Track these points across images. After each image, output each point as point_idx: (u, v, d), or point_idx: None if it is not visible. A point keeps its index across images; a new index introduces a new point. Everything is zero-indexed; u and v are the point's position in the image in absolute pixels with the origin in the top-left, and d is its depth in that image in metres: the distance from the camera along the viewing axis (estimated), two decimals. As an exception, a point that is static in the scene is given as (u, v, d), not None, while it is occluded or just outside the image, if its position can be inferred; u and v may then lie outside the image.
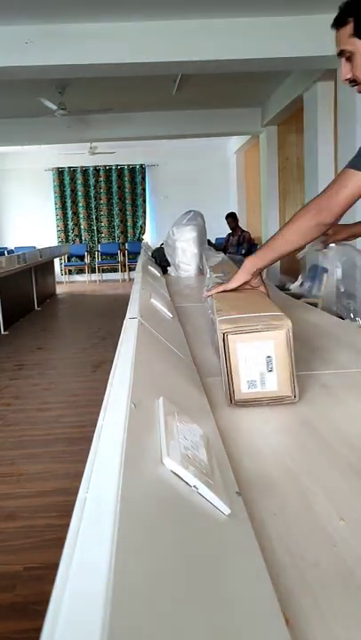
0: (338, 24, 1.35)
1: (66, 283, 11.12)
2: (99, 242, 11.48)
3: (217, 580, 0.40)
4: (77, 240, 11.45)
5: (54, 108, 6.35)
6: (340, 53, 1.35)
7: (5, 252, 9.63)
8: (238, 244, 7.54)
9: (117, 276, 11.44)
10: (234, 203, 10.53)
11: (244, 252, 7.21)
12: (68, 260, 11.25)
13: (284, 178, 7.67)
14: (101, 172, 11.24)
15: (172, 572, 0.38)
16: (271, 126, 7.86)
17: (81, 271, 11.47)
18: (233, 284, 1.31)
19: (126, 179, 11.33)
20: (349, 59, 1.34)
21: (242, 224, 8.50)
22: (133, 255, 10.80)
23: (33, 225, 11.30)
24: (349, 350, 1.30)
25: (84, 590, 0.32)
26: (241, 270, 1.30)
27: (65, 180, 11.26)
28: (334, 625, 0.42)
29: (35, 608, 1.52)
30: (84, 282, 11.32)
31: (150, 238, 11.21)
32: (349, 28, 1.30)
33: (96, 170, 11.23)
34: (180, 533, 0.44)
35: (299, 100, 6.17)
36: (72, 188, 11.30)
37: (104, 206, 11.38)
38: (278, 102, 6.98)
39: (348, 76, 1.36)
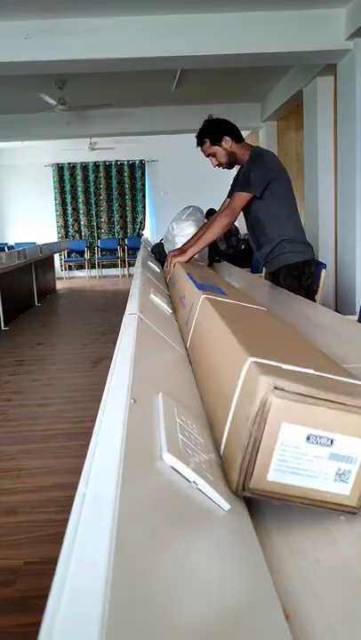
0: (200, 144, 2.54)
1: (66, 278, 11.11)
2: (98, 237, 11.46)
3: (216, 575, 0.40)
4: (77, 236, 11.42)
5: (54, 103, 6.32)
6: (207, 156, 2.56)
7: (5, 248, 9.62)
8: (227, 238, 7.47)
9: (117, 271, 11.42)
10: (234, 198, 10.49)
11: (234, 244, 7.18)
12: (68, 256, 11.23)
13: (284, 173, 7.64)
14: (101, 168, 11.21)
15: (171, 568, 0.38)
16: (271, 121, 7.82)
17: (81, 267, 11.46)
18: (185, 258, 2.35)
19: (126, 174, 11.30)
20: (213, 156, 2.53)
21: (240, 219, 8.46)
22: (133, 251, 10.78)
23: (33, 221, 11.27)
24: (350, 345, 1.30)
25: (84, 585, 0.32)
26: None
27: (65, 175, 11.23)
28: (334, 621, 0.42)
29: (34, 603, 1.52)
30: (84, 277, 11.30)
31: (150, 234, 11.18)
32: (208, 144, 2.51)
33: (96, 165, 11.20)
34: (179, 529, 0.44)
35: (298, 96, 6.15)
36: (72, 183, 11.26)
37: (104, 202, 11.34)
38: (278, 97, 6.95)
39: (217, 164, 2.57)
